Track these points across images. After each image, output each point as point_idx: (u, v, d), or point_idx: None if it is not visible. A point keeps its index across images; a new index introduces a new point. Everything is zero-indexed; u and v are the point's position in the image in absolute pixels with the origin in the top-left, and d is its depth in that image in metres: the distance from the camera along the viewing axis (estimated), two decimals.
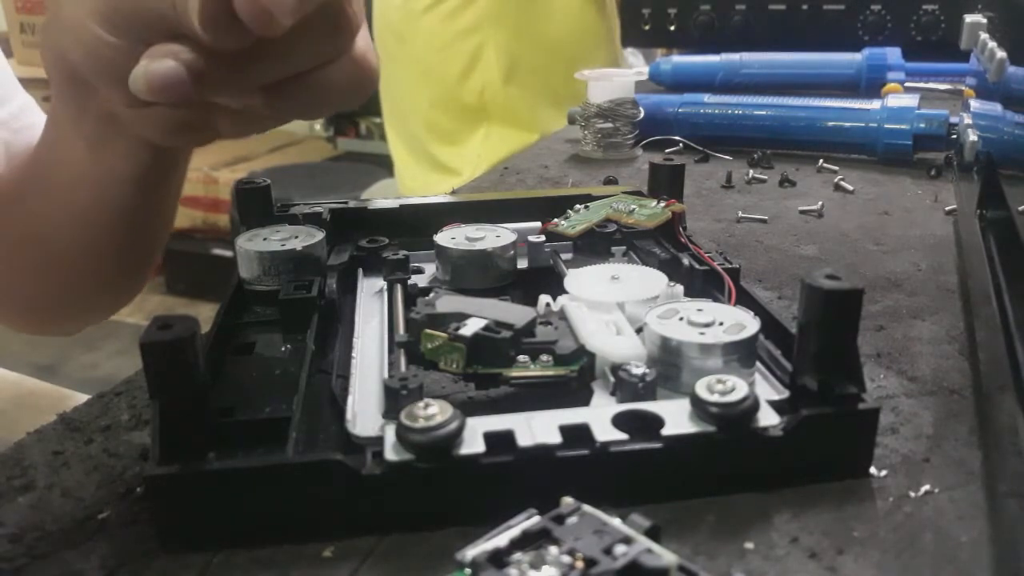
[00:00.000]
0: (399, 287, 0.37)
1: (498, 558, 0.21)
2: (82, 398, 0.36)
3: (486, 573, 0.20)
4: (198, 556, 0.25)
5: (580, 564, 0.21)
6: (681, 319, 0.31)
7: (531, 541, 0.21)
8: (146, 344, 0.25)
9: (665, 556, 0.21)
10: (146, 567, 0.25)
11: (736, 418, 0.26)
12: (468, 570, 0.21)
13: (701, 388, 0.27)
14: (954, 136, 0.63)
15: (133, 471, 0.30)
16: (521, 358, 0.30)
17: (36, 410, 0.57)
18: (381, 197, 0.47)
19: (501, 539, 0.21)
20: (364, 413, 0.29)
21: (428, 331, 0.30)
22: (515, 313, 0.31)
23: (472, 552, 0.21)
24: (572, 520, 0.22)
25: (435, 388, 0.32)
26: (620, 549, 0.21)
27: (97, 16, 0.29)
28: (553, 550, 0.21)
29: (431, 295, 0.33)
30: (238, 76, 0.29)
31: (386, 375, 0.29)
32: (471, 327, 0.30)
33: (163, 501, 0.25)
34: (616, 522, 0.22)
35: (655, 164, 0.47)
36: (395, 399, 0.28)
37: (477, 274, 0.40)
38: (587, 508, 0.22)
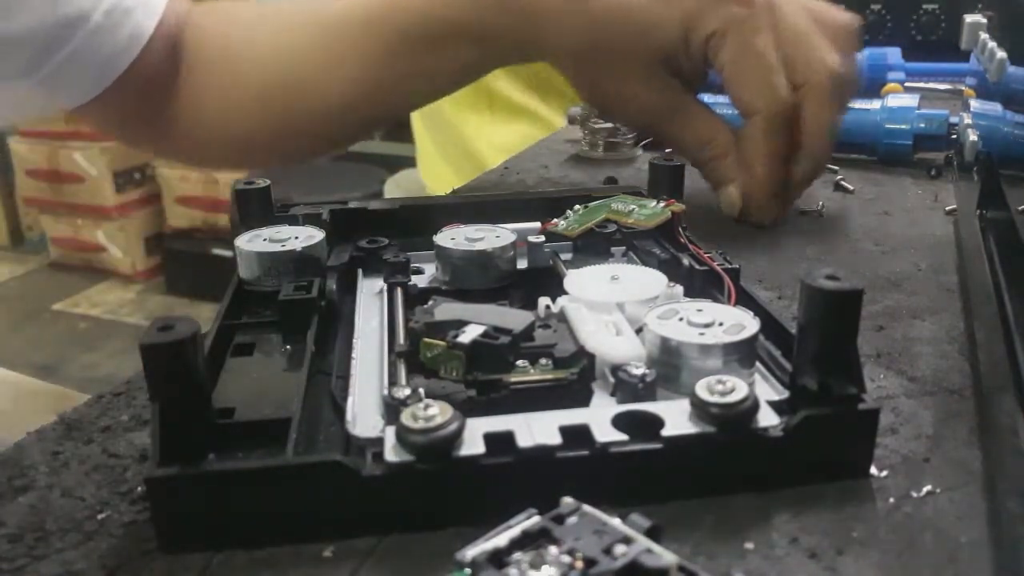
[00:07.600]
0: (399, 290, 0.37)
1: (498, 558, 0.21)
2: (82, 398, 0.36)
3: (486, 573, 0.20)
4: (198, 557, 0.25)
5: (580, 564, 0.21)
6: (681, 319, 0.31)
7: (531, 541, 0.21)
8: (146, 346, 0.25)
9: (665, 556, 0.21)
10: (146, 567, 0.25)
11: (736, 419, 0.26)
12: (468, 570, 0.21)
13: (701, 389, 0.27)
14: (954, 136, 0.63)
15: (133, 471, 0.30)
16: (520, 363, 0.30)
17: (36, 410, 0.57)
18: (402, 189, 0.47)
19: (501, 539, 0.21)
20: (364, 414, 0.28)
21: (427, 340, 0.30)
22: (513, 318, 0.31)
23: (472, 552, 0.21)
24: (572, 520, 0.22)
25: (435, 387, 0.32)
26: (620, 549, 0.21)
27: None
28: (553, 550, 0.21)
29: (430, 302, 0.33)
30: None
31: (386, 383, 0.29)
32: (469, 334, 0.29)
33: (163, 502, 0.25)
34: (616, 522, 0.22)
35: (655, 164, 0.47)
36: (395, 412, 0.28)
37: (477, 274, 0.40)
38: (587, 508, 0.22)
